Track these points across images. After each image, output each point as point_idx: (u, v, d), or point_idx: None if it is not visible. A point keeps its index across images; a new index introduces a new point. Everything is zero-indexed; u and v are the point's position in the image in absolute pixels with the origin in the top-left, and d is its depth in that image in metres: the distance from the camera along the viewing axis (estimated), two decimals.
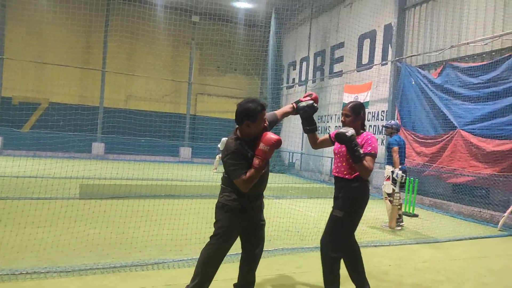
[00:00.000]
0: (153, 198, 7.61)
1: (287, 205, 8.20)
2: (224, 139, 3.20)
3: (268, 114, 3.11)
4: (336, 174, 3.22)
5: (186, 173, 13.19)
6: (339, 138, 3.00)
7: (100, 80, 17.89)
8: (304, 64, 17.34)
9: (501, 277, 4.35)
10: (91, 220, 5.44)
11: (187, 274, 3.22)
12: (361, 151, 2.99)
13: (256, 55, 16.98)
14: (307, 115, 3.27)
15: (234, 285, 3.26)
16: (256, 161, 2.82)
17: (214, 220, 3.02)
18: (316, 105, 3.26)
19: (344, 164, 3.16)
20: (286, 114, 3.37)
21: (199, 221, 5.54)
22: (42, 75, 16.90)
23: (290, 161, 17.52)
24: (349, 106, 3.26)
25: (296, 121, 16.86)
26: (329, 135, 3.40)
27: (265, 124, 2.97)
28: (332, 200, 3.27)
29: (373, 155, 3.06)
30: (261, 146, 2.84)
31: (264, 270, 3.96)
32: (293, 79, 18.39)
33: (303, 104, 3.26)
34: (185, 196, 8.28)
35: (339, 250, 3.09)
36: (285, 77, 18.95)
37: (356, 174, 3.11)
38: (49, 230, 4.76)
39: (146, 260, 4.02)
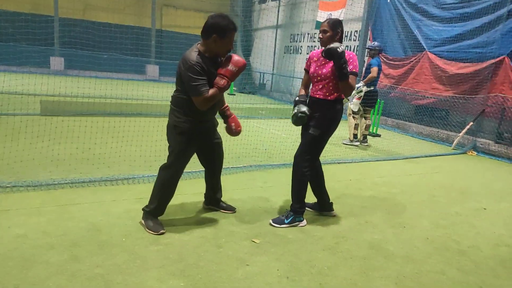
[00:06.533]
0: (119, 116, 7.42)
1: (256, 125, 8.29)
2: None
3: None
4: (317, 96, 3.17)
5: (153, 91, 12.78)
6: (330, 53, 2.92)
7: None
8: None
9: (449, 190, 4.77)
10: (55, 136, 5.28)
11: None
12: (349, 69, 2.99)
13: None
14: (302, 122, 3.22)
15: (204, 195, 3.42)
16: (222, 81, 2.71)
17: None
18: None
19: (326, 85, 3.12)
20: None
21: None
22: None
23: (261, 82, 17.30)
24: (327, 21, 3.15)
25: (267, 41, 16.29)
26: (305, 70, 3.33)
27: (231, 47, 2.81)
28: None
29: (356, 74, 3.06)
30: (230, 66, 2.71)
31: (232, 184, 4.12)
32: None
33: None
34: (153, 115, 8.13)
35: (311, 164, 3.24)
36: None
37: (336, 95, 3.13)
38: (10, 145, 4.61)
39: (116, 175, 4.05)
